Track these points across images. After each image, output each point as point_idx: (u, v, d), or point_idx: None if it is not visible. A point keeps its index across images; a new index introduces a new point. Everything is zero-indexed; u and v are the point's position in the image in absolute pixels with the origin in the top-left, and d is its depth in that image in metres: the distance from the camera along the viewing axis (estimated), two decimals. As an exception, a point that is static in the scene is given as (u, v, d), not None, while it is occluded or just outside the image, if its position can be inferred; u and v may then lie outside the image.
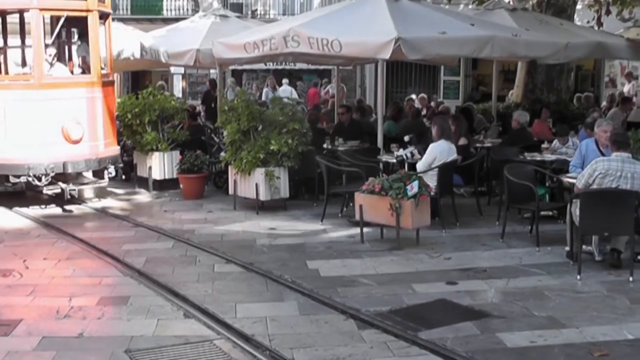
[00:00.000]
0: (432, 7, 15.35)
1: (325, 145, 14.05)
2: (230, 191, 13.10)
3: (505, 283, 8.56)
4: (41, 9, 12.88)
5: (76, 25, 14.26)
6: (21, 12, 14.27)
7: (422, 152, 11.79)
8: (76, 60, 14.74)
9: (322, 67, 25.87)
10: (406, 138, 13.82)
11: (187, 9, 30.19)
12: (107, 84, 13.88)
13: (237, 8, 27.04)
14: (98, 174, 13.84)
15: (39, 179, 12.70)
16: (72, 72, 14.21)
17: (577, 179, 9.22)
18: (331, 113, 18.86)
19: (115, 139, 14.27)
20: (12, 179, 12.98)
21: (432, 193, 10.57)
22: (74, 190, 13.29)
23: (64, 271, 9.23)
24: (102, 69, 13.67)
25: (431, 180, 10.90)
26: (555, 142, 12.87)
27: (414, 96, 22.90)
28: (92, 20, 13.32)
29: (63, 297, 8.12)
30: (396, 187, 9.95)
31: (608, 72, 27.34)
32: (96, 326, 7.29)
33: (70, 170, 12.93)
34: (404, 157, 12.14)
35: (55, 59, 13.91)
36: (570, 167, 10.24)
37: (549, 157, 12.30)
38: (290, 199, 12.91)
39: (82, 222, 12.02)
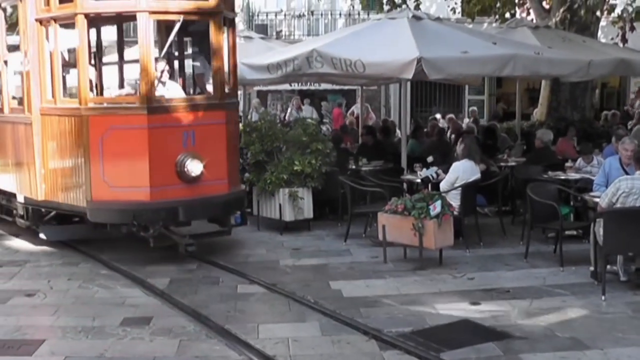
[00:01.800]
0: (454, 26, 15.39)
1: (349, 166, 14.06)
2: (254, 212, 13.12)
3: (528, 303, 8.51)
4: (152, 12, 10.02)
5: (191, 32, 11.83)
6: (122, 17, 11.83)
7: (446, 172, 11.77)
8: (189, 77, 12.68)
9: (346, 87, 25.89)
10: (429, 158, 13.80)
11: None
12: (230, 106, 10.98)
13: (262, 29, 27.15)
14: (220, 221, 11.17)
15: (146, 229, 10.20)
16: (186, 93, 11.59)
17: (601, 197, 9.16)
18: (355, 133, 18.88)
19: (239, 176, 11.65)
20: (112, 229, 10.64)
21: (455, 213, 10.55)
22: (192, 246, 10.30)
23: (88, 291, 9.31)
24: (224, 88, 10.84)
25: (454, 199, 10.88)
26: (580, 161, 12.80)
27: (438, 116, 22.87)
28: (216, 25, 10.42)
29: (86, 317, 8.19)
30: (419, 207, 9.94)
31: (634, 89, 27.17)
32: (119, 346, 7.32)
33: (184, 218, 10.28)
34: (430, 177, 12.12)
35: (167, 76, 11.04)
36: (594, 186, 10.18)
37: (573, 175, 12.22)
38: (314, 220, 12.90)
39: (107, 243, 12.02)
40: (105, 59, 13.23)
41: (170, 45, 11.42)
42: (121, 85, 12.83)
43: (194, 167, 10.00)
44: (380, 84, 23.75)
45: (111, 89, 12.74)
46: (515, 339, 7.36)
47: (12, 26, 12.29)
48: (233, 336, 7.50)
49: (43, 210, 11.35)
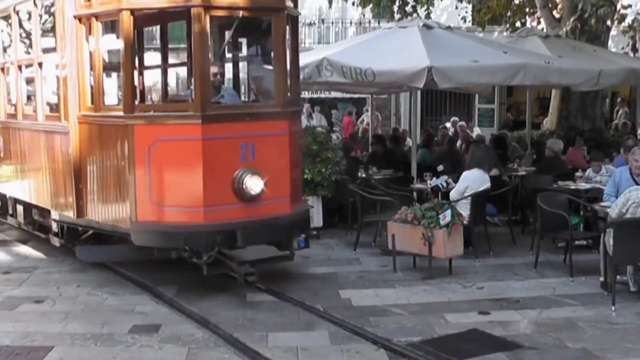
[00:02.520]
0: (465, 35, 15.41)
1: (359, 174, 14.05)
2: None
3: (538, 313, 8.49)
4: (208, 8, 8.80)
5: (248, 31, 10.49)
6: (169, 15, 10.65)
7: (456, 181, 11.76)
8: (244, 81, 11.63)
9: (357, 95, 25.90)
10: (439, 167, 13.79)
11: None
12: (293, 115, 9.78)
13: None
14: (282, 245, 9.75)
15: (198, 254, 8.87)
16: (244, 99, 10.81)
17: (611, 208, 9.14)
18: (366, 141, 18.88)
19: (302, 194, 10.61)
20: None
21: (464, 222, 10.53)
22: (253, 275, 8.99)
23: (97, 298, 9.31)
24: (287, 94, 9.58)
25: (464, 209, 10.85)
26: (590, 171, 12.77)
27: (448, 124, 22.87)
28: (279, 23, 9.28)
29: (95, 325, 8.20)
30: (429, 216, 9.94)
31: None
32: (128, 354, 7.35)
33: (243, 242, 8.92)
34: (440, 186, 12.11)
35: (223, 81, 10.20)
36: (604, 196, 10.15)
37: (583, 185, 12.20)
38: (323, 228, 12.89)
39: None
40: (148, 62, 12.23)
41: (227, 46, 10.60)
42: (167, 92, 12.00)
43: (254, 184, 8.85)
44: (391, 93, 23.75)
45: (157, 95, 12.03)
46: (525, 349, 7.34)
47: (48, 25, 10.93)
48: (242, 344, 7.50)
49: (80, 228, 10.44)
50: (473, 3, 24.29)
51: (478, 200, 11.15)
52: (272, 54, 9.58)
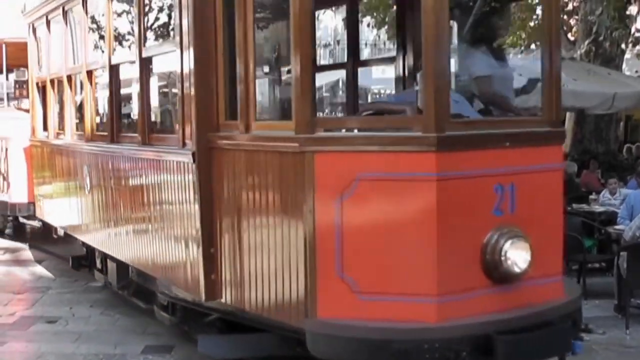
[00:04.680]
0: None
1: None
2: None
3: (551, 336, 8.40)
4: None
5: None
6: None
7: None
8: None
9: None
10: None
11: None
12: (562, 139, 6.16)
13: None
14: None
15: None
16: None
17: (625, 230, 9.11)
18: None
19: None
20: None
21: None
22: None
23: (110, 319, 9.19)
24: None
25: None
26: (604, 193, 12.72)
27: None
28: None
29: (108, 345, 8.10)
30: None
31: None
32: (140, 374, 7.21)
33: (505, 357, 5.05)
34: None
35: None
36: (619, 219, 10.11)
37: (597, 208, 12.15)
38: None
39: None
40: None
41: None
42: (357, 98, 8.62)
43: (519, 256, 5.30)
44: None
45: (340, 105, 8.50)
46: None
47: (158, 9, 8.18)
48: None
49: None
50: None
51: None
52: (538, 43, 7.16)
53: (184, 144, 6.44)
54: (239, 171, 5.95)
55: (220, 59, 6.16)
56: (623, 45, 19.22)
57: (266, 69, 7.89)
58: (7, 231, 14.81)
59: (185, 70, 6.39)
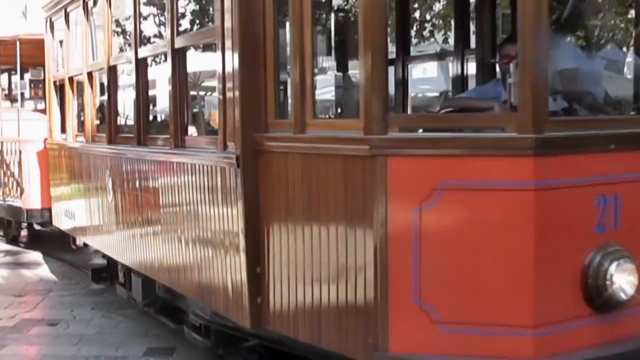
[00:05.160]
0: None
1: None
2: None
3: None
4: None
5: None
6: None
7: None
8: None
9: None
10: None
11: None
12: None
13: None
14: None
15: None
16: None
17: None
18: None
19: None
20: None
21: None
22: None
23: (111, 321, 9.11)
24: None
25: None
26: None
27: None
28: None
29: (110, 347, 8.05)
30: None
31: None
32: (141, 377, 7.28)
33: None
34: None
35: None
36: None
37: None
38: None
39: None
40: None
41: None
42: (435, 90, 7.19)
43: (626, 281, 4.44)
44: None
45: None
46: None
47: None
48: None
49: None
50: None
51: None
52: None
53: (225, 147, 5.58)
54: (292, 177, 5.08)
55: (269, 48, 5.27)
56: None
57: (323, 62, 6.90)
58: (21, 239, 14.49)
59: (228, 64, 5.52)
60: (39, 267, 12.17)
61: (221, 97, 5.64)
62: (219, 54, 5.62)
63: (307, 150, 4.94)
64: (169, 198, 6.76)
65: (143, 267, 7.65)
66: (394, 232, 4.35)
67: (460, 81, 7.15)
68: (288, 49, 5.23)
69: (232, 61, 5.44)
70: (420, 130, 4.92)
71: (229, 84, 5.53)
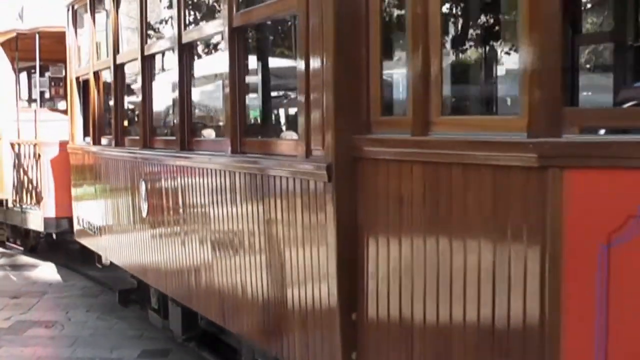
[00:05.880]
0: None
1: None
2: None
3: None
4: None
5: None
6: None
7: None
8: None
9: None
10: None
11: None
12: None
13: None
14: None
15: None
16: None
17: None
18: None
19: None
20: None
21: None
22: None
23: (106, 323, 9.18)
24: None
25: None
26: None
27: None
28: None
29: (104, 349, 8.15)
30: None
31: None
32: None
33: None
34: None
35: None
36: None
37: None
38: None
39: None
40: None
41: None
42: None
43: None
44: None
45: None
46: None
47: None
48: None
49: None
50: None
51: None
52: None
53: (308, 153, 4.21)
54: (408, 195, 3.61)
55: (374, 20, 3.85)
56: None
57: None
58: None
59: (315, 41, 4.13)
60: (35, 269, 12.35)
61: (303, 84, 4.24)
62: (300, 28, 4.25)
63: (432, 158, 3.49)
64: (224, 217, 5.36)
65: (187, 298, 6.33)
66: (570, 275, 2.92)
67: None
68: (404, 23, 3.75)
69: (321, 37, 4.04)
70: (602, 132, 3.45)
71: (315, 65, 4.11)
